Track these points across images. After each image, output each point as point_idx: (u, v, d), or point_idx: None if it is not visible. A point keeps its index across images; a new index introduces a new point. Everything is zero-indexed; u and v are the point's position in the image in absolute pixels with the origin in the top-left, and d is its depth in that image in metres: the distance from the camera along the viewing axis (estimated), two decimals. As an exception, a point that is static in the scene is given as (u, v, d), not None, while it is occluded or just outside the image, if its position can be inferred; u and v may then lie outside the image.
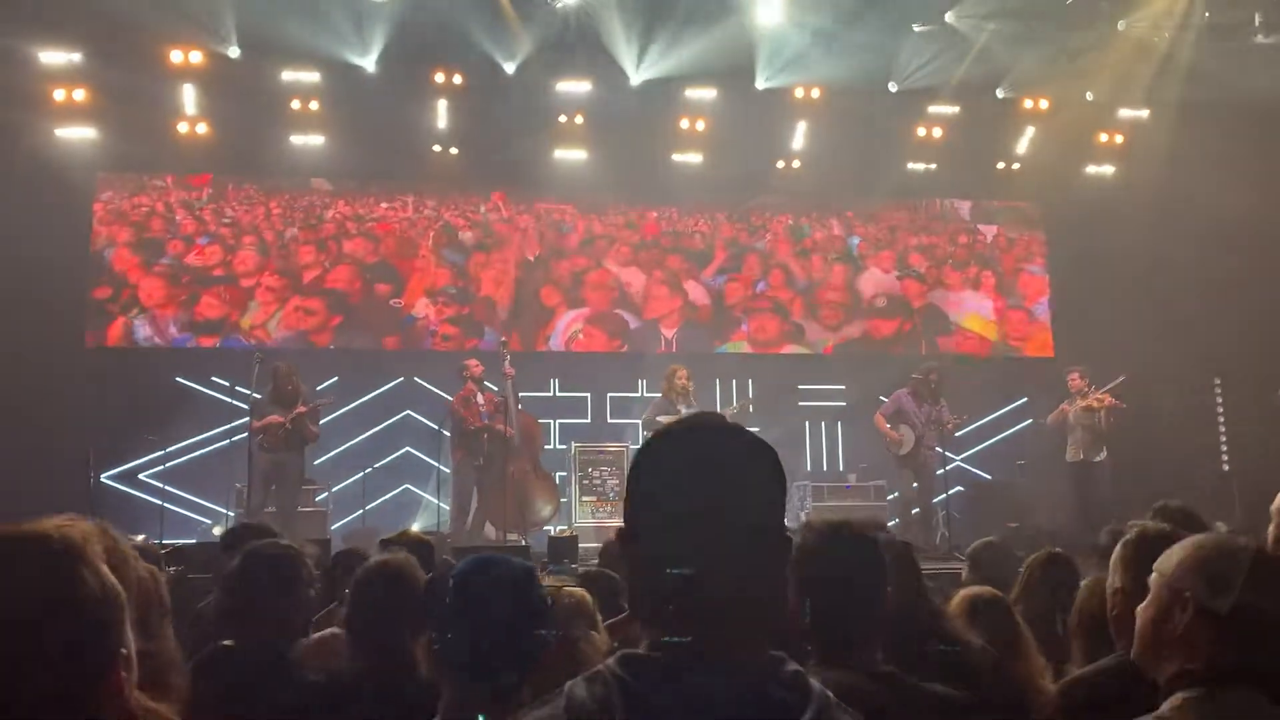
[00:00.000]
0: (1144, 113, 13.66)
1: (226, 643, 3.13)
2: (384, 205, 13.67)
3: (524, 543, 10.04)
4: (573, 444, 11.87)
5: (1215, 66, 12.10)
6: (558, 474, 11.84)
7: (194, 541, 9.41)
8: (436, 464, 11.51)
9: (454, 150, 13.16)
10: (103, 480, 11.30)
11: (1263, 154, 12.43)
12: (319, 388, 11.58)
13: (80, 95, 12.04)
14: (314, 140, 12.88)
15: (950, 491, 11.67)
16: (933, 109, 13.46)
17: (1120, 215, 13.13)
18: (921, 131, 13.60)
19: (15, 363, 11.24)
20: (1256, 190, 12.19)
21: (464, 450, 11.03)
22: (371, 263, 13.45)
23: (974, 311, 14.48)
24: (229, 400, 11.93)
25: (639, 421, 11.78)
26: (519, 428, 11.23)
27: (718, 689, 1.29)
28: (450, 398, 11.43)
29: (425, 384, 12.68)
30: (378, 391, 12.73)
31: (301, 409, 10.57)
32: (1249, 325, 12.53)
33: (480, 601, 2.30)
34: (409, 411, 12.63)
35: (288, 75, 12.47)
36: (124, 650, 1.54)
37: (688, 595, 1.34)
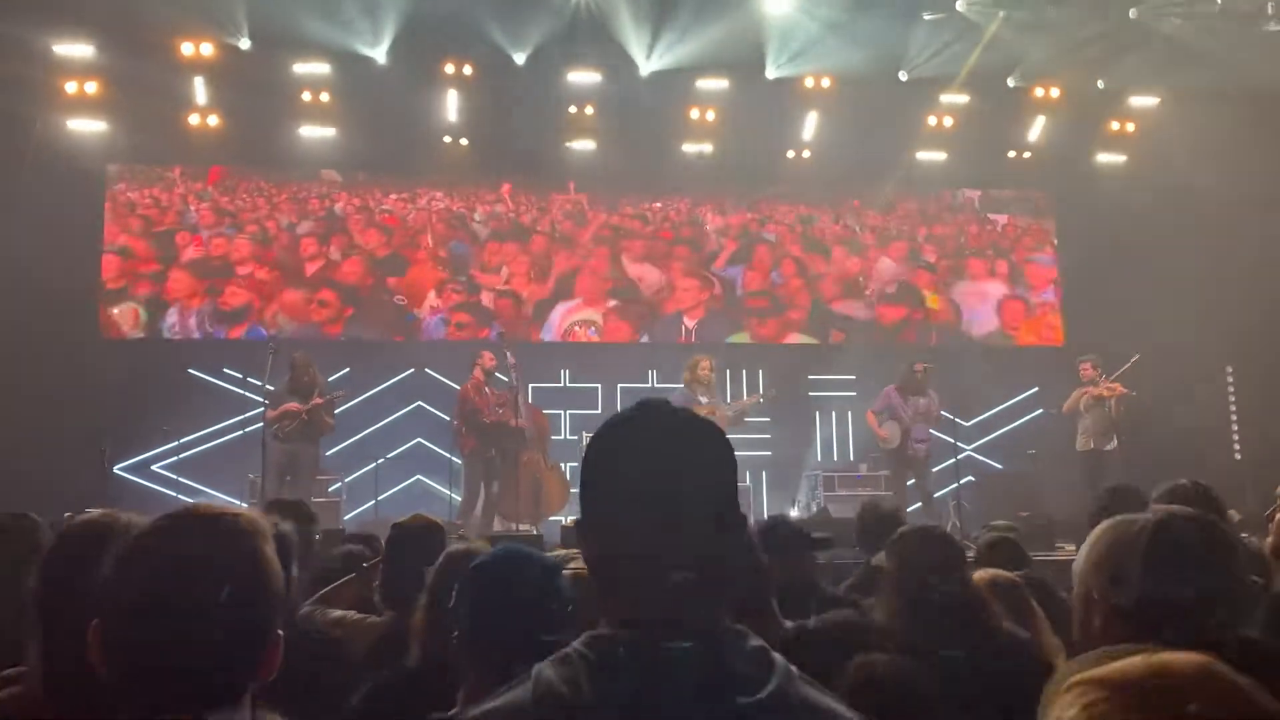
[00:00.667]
0: (1155, 100, 13.62)
1: None
2: (394, 196, 13.70)
3: (536, 532, 10.08)
4: (583, 434, 11.89)
5: (1227, 54, 12.05)
6: (569, 464, 11.88)
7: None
8: (448, 455, 11.55)
9: (464, 141, 13.17)
10: (116, 471, 11.36)
11: (1274, 141, 12.38)
12: (331, 379, 11.62)
13: (92, 87, 12.08)
14: (324, 132, 12.90)
15: (961, 481, 11.67)
16: (943, 98, 13.43)
17: (1131, 203, 13.09)
18: (932, 120, 13.57)
19: (29, 354, 11.32)
20: (1268, 178, 12.16)
21: (476, 440, 11.07)
22: (382, 254, 13.48)
23: (995, 301, 14.45)
24: (242, 391, 11.97)
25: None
26: (529, 419, 11.27)
27: (681, 665, 1.32)
28: (459, 388, 11.47)
29: (436, 375, 12.73)
30: (389, 382, 12.78)
31: (318, 400, 10.64)
32: (1261, 313, 12.49)
33: (505, 594, 2.32)
34: (420, 402, 12.68)
35: (298, 67, 12.50)
36: (280, 633, 1.61)
37: (648, 576, 1.38)
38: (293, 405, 10.59)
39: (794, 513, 11.35)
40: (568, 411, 13.07)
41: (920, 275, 14.39)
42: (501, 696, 1.39)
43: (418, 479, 12.35)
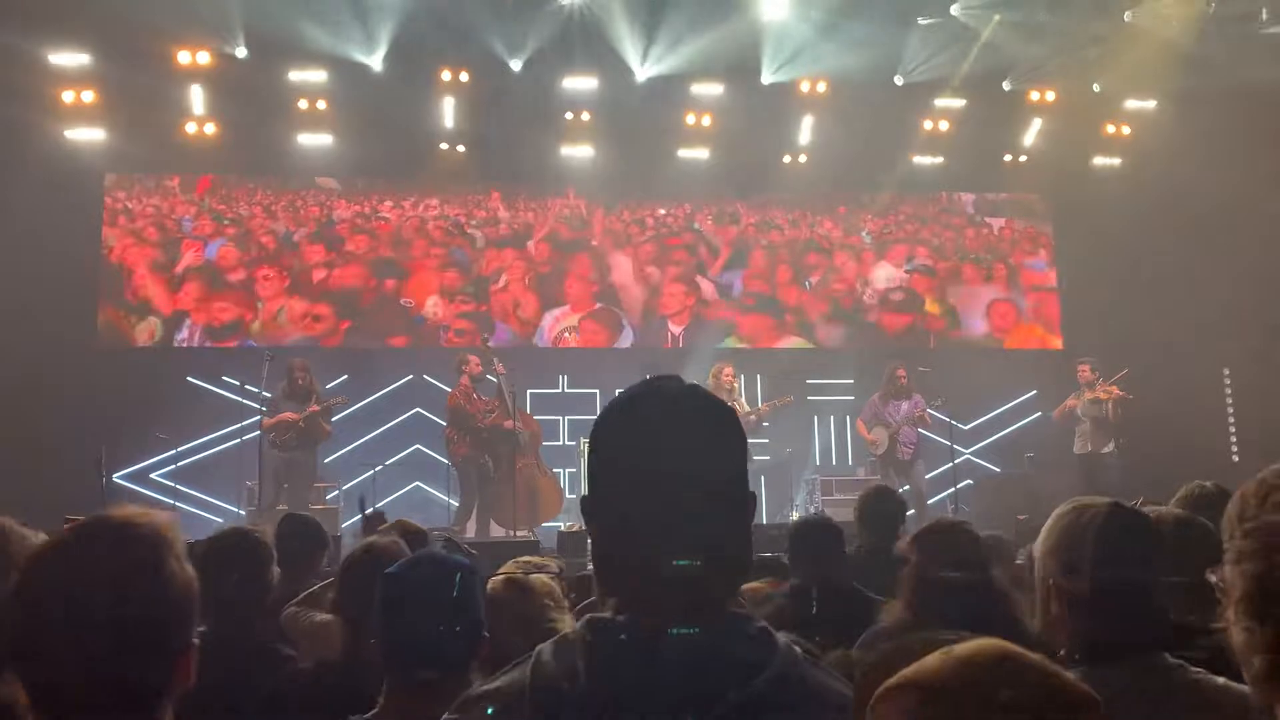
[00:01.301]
0: (1151, 104, 13.63)
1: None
2: (391, 203, 13.71)
3: (533, 538, 10.07)
4: (581, 440, 11.89)
5: (1223, 57, 12.05)
6: (567, 470, 11.88)
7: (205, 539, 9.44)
8: (446, 461, 11.54)
9: (461, 148, 13.20)
10: (115, 480, 11.35)
11: (1270, 144, 12.37)
12: (328, 386, 11.64)
13: (89, 96, 12.12)
14: (321, 139, 12.93)
15: (959, 485, 11.68)
16: (939, 102, 13.46)
17: (1128, 207, 13.10)
18: (928, 124, 13.59)
19: (27, 363, 11.31)
20: (1264, 181, 12.16)
21: (469, 446, 11.04)
22: (379, 261, 13.49)
23: (991, 305, 14.45)
24: (239, 399, 11.97)
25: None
26: (522, 423, 11.26)
27: (682, 649, 1.31)
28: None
29: (434, 381, 12.71)
30: (387, 389, 12.78)
31: (314, 407, 10.66)
32: (1258, 316, 12.51)
33: (403, 599, 2.33)
34: (419, 409, 12.67)
35: (294, 75, 12.53)
36: (195, 640, 1.60)
37: (648, 559, 1.36)
38: (289, 415, 10.61)
39: (794, 517, 11.35)
40: (565, 417, 13.07)
41: (917, 279, 14.40)
42: (502, 676, 1.39)
43: (416, 485, 12.34)
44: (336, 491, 11.60)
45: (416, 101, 12.83)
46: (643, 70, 12.83)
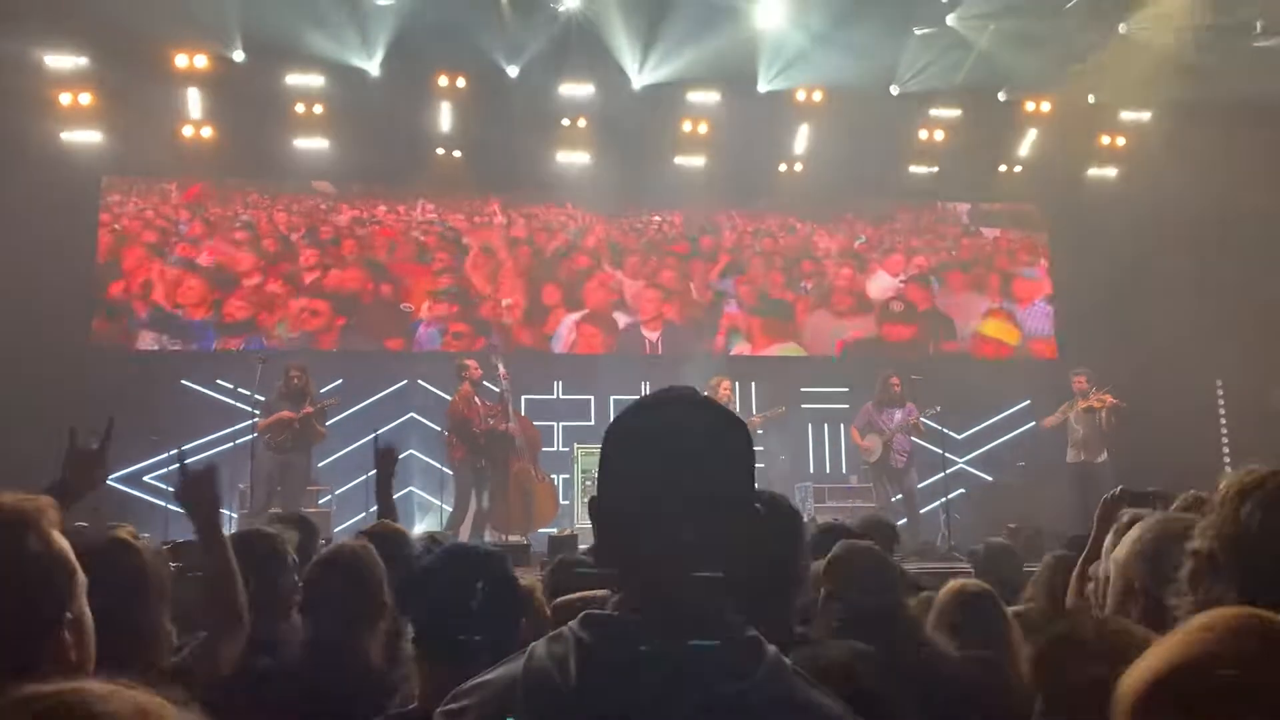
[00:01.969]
0: (1146, 115, 13.69)
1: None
2: (386, 208, 13.72)
3: (525, 542, 10.08)
4: (575, 446, 11.90)
5: (1217, 68, 12.10)
6: (560, 476, 11.88)
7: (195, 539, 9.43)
8: (441, 466, 11.55)
9: (457, 153, 13.21)
10: (109, 482, 11.31)
11: (1265, 155, 12.43)
12: (323, 390, 11.64)
13: (86, 99, 12.13)
14: (318, 144, 12.94)
15: (951, 494, 11.69)
16: (934, 112, 13.52)
17: (1123, 217, 13.14)
18: (923, 134, 13.65)
19: (21, 365, 11.27)
20: (1259, 191, 12.20)
21: (466, 451, 11.05)
22: (375, 265, 13.50)
23: (986, 315, 14.48)
24: (233, 403, 11.97)
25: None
26: (519, 428, 11.28)
27: (672, 650, 1.33)
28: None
29: (429, 386, 12.72)
30: (382, 394, 12.77)
31: (309, 409, 10.69)
32: (1251, 327, 12.53)
33: (455, 589, 2.34)
34: (413, 414, 12.67)
35: (292, 79, 12.55)
36: (69, 615, 1.59)
37: (648, 563, 1.40)
38: (285, 414, 10.63)
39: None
40: (560, 423, 13.08)
41: (911, 288, 14.42)
42: (495, 670, 1.41)
43: (410, 490, 12.32)
44: (330, 496, 11.59)
45: (413, 106, 12.86)
46: (639, 77, 12.86)
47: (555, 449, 12.61)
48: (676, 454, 1.42)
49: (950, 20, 12.33)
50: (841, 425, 13.41)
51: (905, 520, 11.33)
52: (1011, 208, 14.77)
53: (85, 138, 12.41)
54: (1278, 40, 12.31)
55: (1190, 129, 12.55)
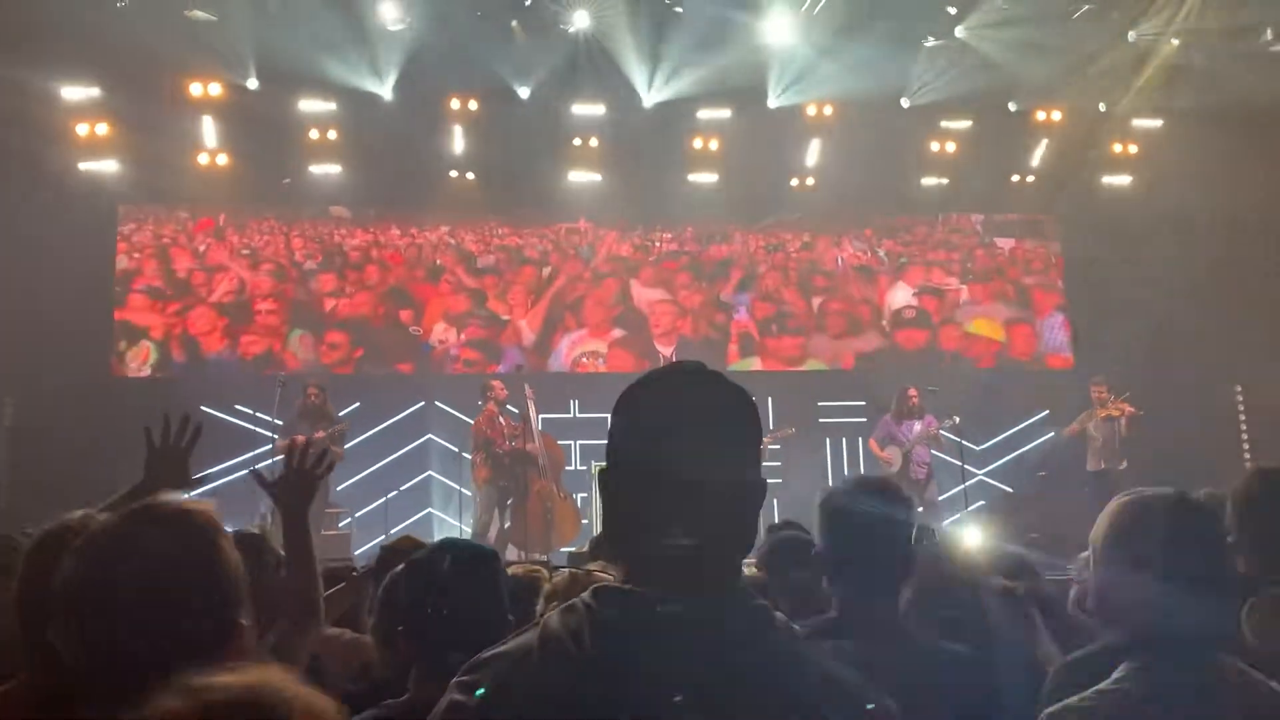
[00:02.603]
0: (1158, 122, 13.66)
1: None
2: (400, 231, 13.79)
3: (546, 560, 10.07)
4: (593, 464, 11.91)
5: (1227, 74, 12.10)
6: (579, 495, 11.90)
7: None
8: (459, 487, 11.59)
9: (470, 175, 13.28)
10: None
11: (1278, 160, 12.40)
12: (341, 413, 11.70)
13: (102, 129, 12.26)
14: (332, 169, 13.03)
15: (971, 506, 11.65)
16: (945, 123, 13.53)
17: (1137, 225, 13.13)
18: (935, 146, 13.65)
19: (41, 393, 11.36)
20: (1272, 196, 12.17)
21: (490, 470, 11.11)
22: (390, 289, 13.56)
23: (984, 318, 14.44)
24: (252, 428, 12.03)
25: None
26: (543, 448, 11.32)
27: (683, 620, 1.36)
28: (471, 422, 11.56)
29: (446, 408, 12.77)
30: (399, 416, 12.82)
31: (321, 434, 10.74)
32: (1268, 332, 12.47)
33: (432, 585, 2.37)
34: (430, 435, 12.71)
35: (305, 105, 12.65)
36: (245, 621, 1.65)
37: (655, 534, 1.42)
38: (299, 438, 10.68)
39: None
40: (578, 442, 13.08)
41: (927, 300, 14.41)
42: (510, 641, 1.43)
43: (429, 512, 12.37)
44: (349, 518, 11.63)
45: (426, 130, 12.93)
46: (650, 95, 12.92)
47: (574, 467, 12.61)
48: (685, 424, 1.44)
49: (959, 31, 12.35)
50: (860, 439, 13.38)
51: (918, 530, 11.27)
52: (1025, 218, 14.74)
53: (102, 167, 12.52)
54: (1288, 44, 12.29)
55: (1202, 135, 12.52)
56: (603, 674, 1.33)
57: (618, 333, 13.81)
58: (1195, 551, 2.09)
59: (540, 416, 11.67)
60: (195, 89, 12.28)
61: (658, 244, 14.20)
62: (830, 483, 12.98)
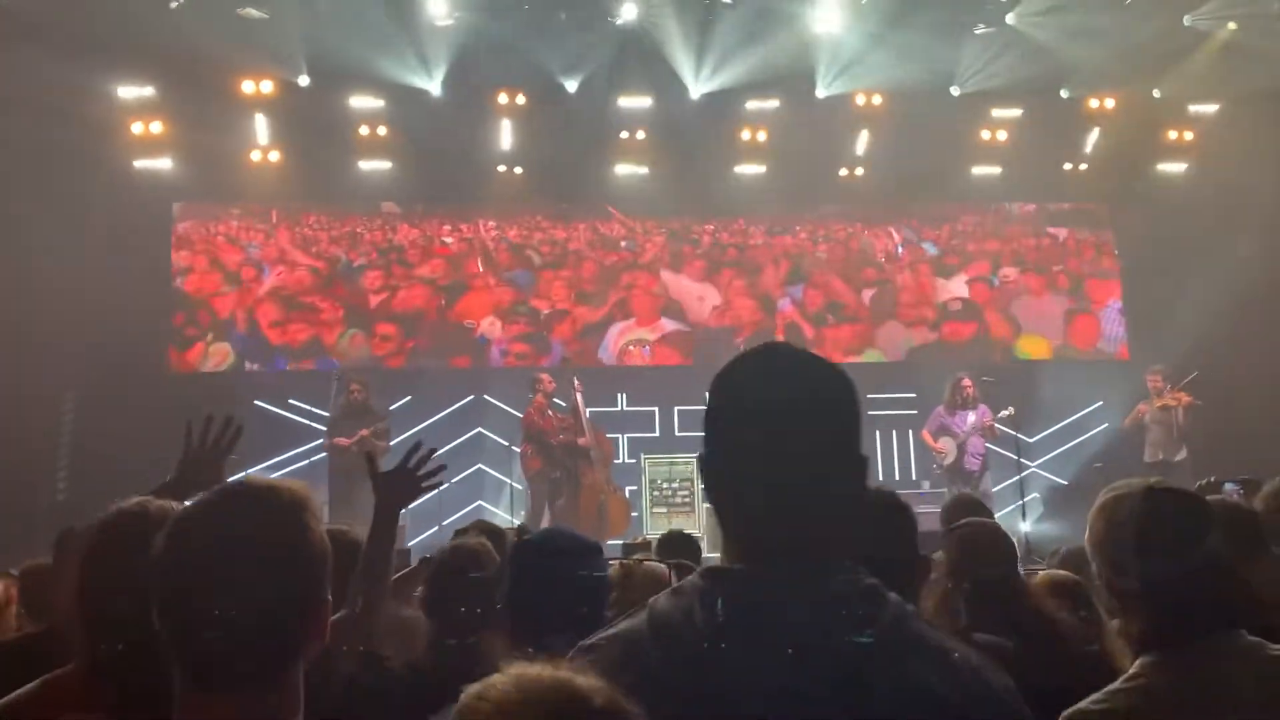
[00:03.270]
0: (1214, 108, 13.43)
1: None
2: (449, 226, 13.87)
3: (599, 551, 10.09)
4: (643, 456, 11.93)
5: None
6: (628, 487, 11.90)
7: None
8: (508, 480, 11.64)
9: (518, 170, 13.33)
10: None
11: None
12: (392, 407, 11.79)
13: (157, 128, 12.42)
14: (382, 165, 13.12)
15: (1026, 498, 11.51)
16: (996, 112, 13.38)
17: (1193, 213, 12.91)
18: (985, 135, 13.50)
19: (100, 389, 11.55)
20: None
21: (543, 462, 11.16)
22: (440, 284, 13.64)
23: (1037, 323, 14.28)
24: (307, 422, 12.16)
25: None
26: (594, 440, 11.35)
27: (796, 599, 1.34)
28: (520, 415, 11.61)
29: (495, 402, 12.82)
30: (449, 409, 12.89)
31: (364, 432, 10.87)
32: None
33: (540, 566, 2.39)
34: (480, 429, 12.77)
35: (355, 101, 12.74)
36: (328, 598, 1.66)
37: (764, 512, 1.41)
38: (341, 440, 10.85)
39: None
40: (625, 435, 13.09)
41: (979, 290, 14.26)
42: (616, 625, 1.43)
43: (479, 504, 12.41)
44: (402, 510, 11.69)
45: (474, 125, 12.99)
46: (697, 87, 12.89)
47: (621, 461, 12.62)
48: (787, 404, 1.43)
49: (1010, 18, 12.22)
50: (910, 431, 13.28)
51: None
52: (1078, 207, 14.55)
53: (157, 165, 12.70)
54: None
55: (1260, 120, 12.31)
56: (719, 655, 1.32)
57: (665, 324, 13.79)
58: (1171, 541, 2.05)
59: (588, 410, 11.69)
60: (247, 87, 12.40)
61: (705, 236, 14.17)
62: (880, 475, 12.99)
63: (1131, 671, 2.02)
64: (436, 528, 11.50)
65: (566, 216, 14.02)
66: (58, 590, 2.75)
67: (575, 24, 12.16)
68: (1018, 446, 11.47)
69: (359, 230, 13.72)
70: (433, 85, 12.67)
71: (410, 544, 11.08)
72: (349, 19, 11.76)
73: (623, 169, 13.51)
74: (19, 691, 2.12)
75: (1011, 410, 11.55)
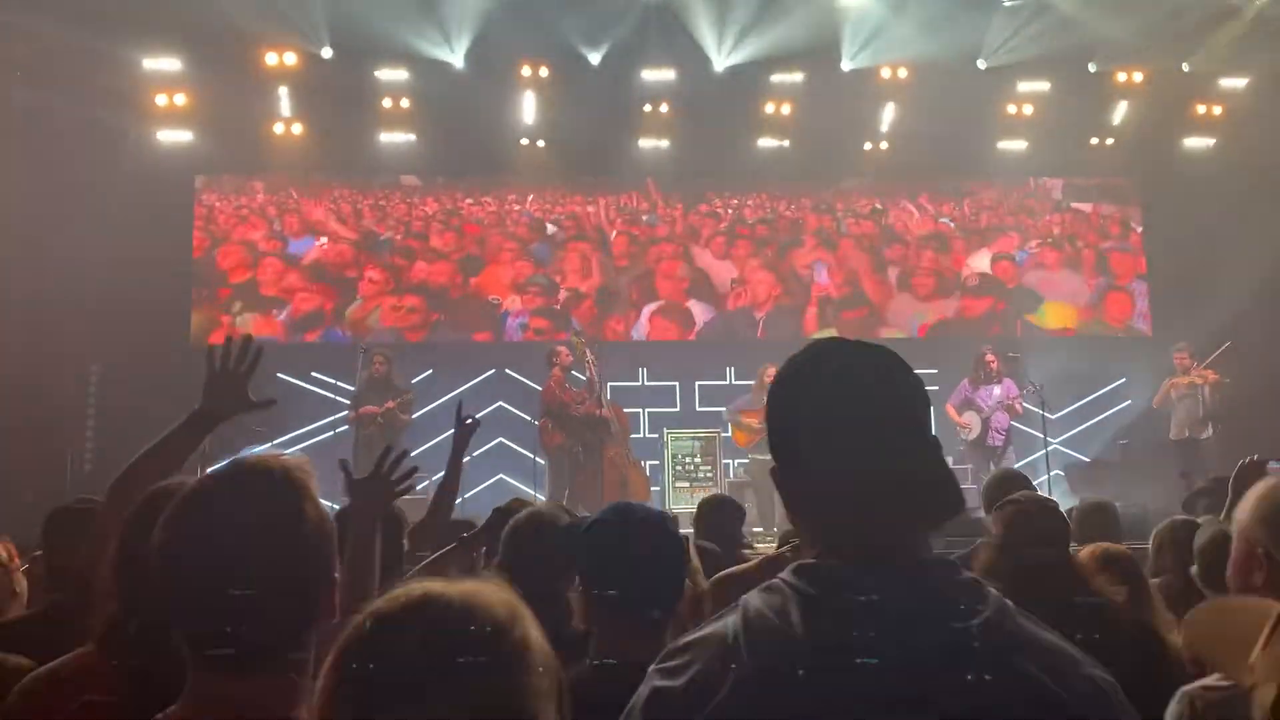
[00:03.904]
0: (1244, 81, 13.27)
1: None
2: (472, 200, 13.85)
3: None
4: (665, 430, 11.92)
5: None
6: (649, 462, 11.91)
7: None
8: (530, 454, 11.65)
9: (541, 143, 13.27)
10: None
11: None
12: (414, 380, 11.81)
13: (181, 100, 12.41)
14: (405, 137, 13.09)
15: (1050, 474, 11.47)
16: (1022, 86, 13.26)
17: (1221, 188, 12.77)
18: (1012, 109, 13.37)
19: (123, 362, 11.61)
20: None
21: (563, 435, 11.15)
22: (462, 257, 13.63)
23: (1061, 298, 14.18)
24: (331, 395, 12.19)
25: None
26: (613, 413, 11.35)
27: (895, 593, 1.31)
28: (540, 389, 11.60)
29: (517, 375, 12.83)
30: (471, 383, 12.90)
31: (391, 404, 10.90)
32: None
33: (627, 541, 2.37)
34: (501, 403, 12.78)
35: (378, 74, 12.70)
36: (335, 575, 1.66)
37: (853, 506, 1.37)
38: (370, 409, 10.87)
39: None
40: (646, 410, 13.08)
41: (1003, 266, 14.17)
42: (708, 625, 1.39)
43: (500, 478, 12.44)
44: (426, 482, 11.72)
45: (497, 97, 12.93)
46: (721, 60, 12.81)
47: (643, 435, 12.62)
48: (864, 397, 1.41)
49: (1037, -11, 12.08)
50: (932, 408, 13.19)
51: None
52: (1104, 182, 14.43)
53: (179, 137, 12.71)
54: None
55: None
56: (818, 654, 1.28)
57: (689, 301, 13.76)
58: None
59: (608, 385, 11.68)
60: (271, 59, 12.37)
61: (729, 210, 14.11)
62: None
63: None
64: (460, 500, 11.52)
65: (589, 190, 13.97)
66: (80, 562, 2.75)
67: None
68: (1044, 423, 11.43)
69: (381, 203, 13.71)
70: (456, 58, 12.62)
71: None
72: (372, -10, 11.73)
73: (645, 142, 13.44)
74: (36, 672, 2.14)
75: (1037, 385, 11.48)
